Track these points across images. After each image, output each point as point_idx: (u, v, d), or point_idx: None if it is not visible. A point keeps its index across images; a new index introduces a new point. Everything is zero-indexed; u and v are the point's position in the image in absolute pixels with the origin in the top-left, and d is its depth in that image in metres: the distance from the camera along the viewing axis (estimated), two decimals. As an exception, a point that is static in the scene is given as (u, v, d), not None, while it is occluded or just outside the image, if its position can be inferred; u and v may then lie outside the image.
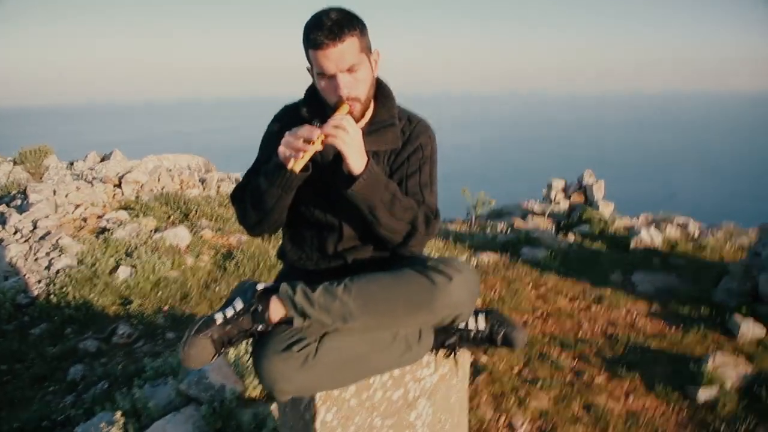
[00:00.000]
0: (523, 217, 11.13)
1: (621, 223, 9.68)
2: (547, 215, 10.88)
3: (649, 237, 7.98)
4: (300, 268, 1.94)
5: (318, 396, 1.77)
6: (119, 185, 9.38)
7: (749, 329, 4.98)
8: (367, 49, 1.73)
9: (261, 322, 1.72)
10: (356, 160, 1.64)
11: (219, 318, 1.72)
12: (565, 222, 10.40)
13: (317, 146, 1.61)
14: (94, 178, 9.58)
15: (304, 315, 1.68)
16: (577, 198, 11.44)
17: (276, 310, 1.72)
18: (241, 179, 1.93)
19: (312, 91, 1.85)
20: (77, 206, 8.14)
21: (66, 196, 8.26)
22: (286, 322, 1.72)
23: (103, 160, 12.15)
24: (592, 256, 7.60)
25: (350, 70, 1.68)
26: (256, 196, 1.76)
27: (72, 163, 12.09)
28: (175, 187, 9.94)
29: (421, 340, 1.82)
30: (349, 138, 1.61)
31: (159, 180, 9.87)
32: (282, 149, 1.63)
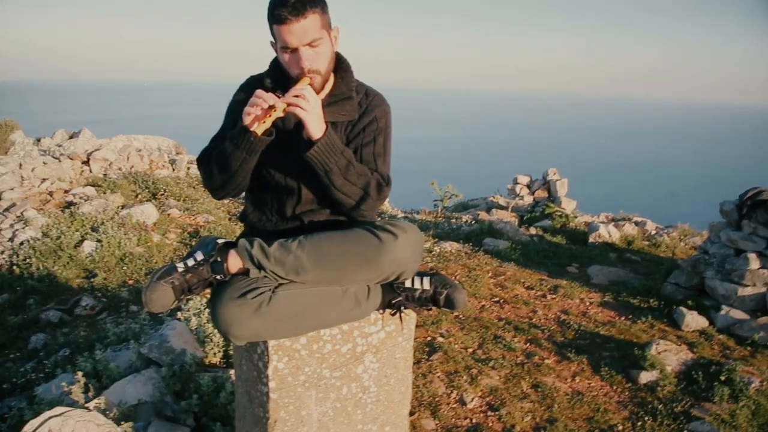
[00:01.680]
0: (488, 210, 11.36)
1: (582, 220, 9.96)
2: (511, 209, 11.11)
3: (607, 233, 8.24)
4: (260, 229, 2.06)
5: (271, 345, 1.89)
6: (87, 162, 9.33)
7: (693, 320, 5.24)
8: (327, 26, 1.85)
9: (220, 273, 1.85)
10: (315, 126, 1.77)
11: (180, 266, 1.84)
12: (528, 216, 10.64)
13: (279, 113, 1.73)
14: (61, 155, 9.51)
15: (260, 267, 1.81)
16: (541, 194, 11.70)
17: (234, 262, 1.85)
18: (209, 143, 2.03)
19: (276, 63, 1.97)
20: (44, 180, 8.10)
21: (32, 170, 8.21)
22: (244, 273, 1.85)
23: (71, 137, 12.04)
24: (552, 248, 7.83)
25: (311, 44, 1.80)
26: (222, 159, 1.87)
27: (39, 140, 11.96)
28: (145, 167, 9.92)
29: (369, 298, 1.96)
30: (309, 106, 1.73)
31: (128, 159, 9.84)
32: (246, 113, 1.74)
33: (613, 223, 9.11)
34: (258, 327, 1.77)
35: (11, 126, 12.21)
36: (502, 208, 11.48)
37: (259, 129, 1.75)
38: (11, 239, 6.59)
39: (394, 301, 2.02)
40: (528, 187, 12.21)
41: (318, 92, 1.88)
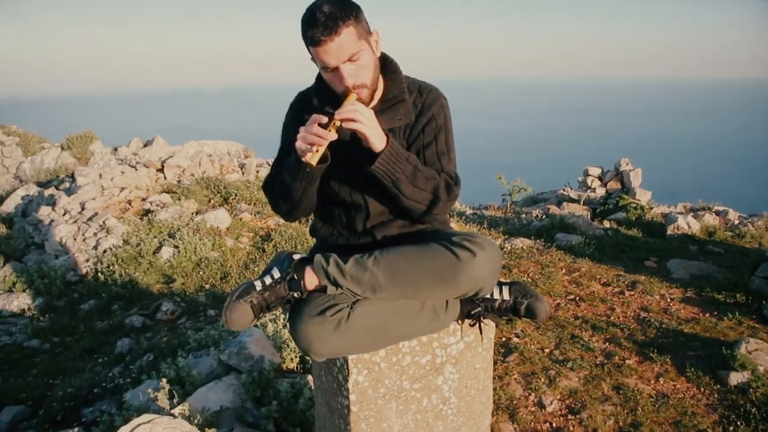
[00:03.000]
0: (559, 203, 11.09)
1: (658, 211, 9.58)
2: (582, 202, 10.80)
3: (686, 224, 7.89)
4: (331, 244, 2.05)
5: (351, 359, 1.89)
6: (162, 170, 9.67)
7: (785, 316, 4.95)
8: (365, 34, 1.76)
9: (297, 290, 1.85)
10: (377, 139, 1.72)
11: (258, 285, 1.86)
12: (600, 209, 10.32)
13: (332, 136, 1.68)
14: (137, 163, 9.89)
15: (336, 285, 1.80)
16: (614, 185, 11.32)
17: (311, 280, 1.85)
18: (270, 168, 2.03)
19: (321, 78, 1.89)
20: (122, 189, 8.44)
21: (111, 179, 8.57)
22: (320, 290, 1.85)
23: (145, 145, 12.51)
24: (627, 242, 7.57)
25: (351, 59, 1.72)
26: (283, 189, 1.87)
27: (116, 149, 12.48)
28: (215, 172, 10.20)
29: (447, 309, 1.92)
30: (366, 121, 1.68)
31: (200, 165, 10.14)
32: (298, 144, 1.71)
33: (692, 214, 8.72)
34: (338, 344, 1.77)
35: (90, 137, 12.81)
36: (573, 201, 11.18)
37: (313, 159, 1.72)
38: (95, 247, 6.91)
39: (473, 312, 1.98)
40: (600, 178, 11.85)
41: (368, 103, 1.82)
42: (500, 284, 2.01)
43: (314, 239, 2.18)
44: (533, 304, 1.98)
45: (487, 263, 1.78)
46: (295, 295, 1.86)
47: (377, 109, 1.85)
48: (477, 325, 2.02)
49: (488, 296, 1.98)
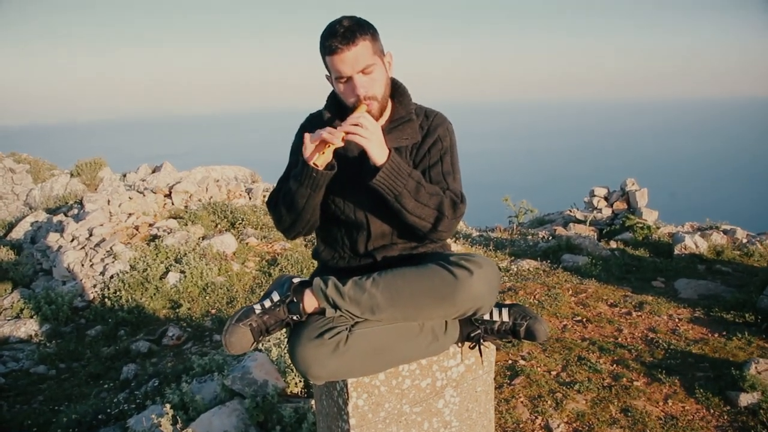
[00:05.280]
0: (565, 225, 11.07)
1: (665, 231, 9.54)
2: (588, 223, 10.78)
3: (694, 243, 7.85)
4: (332, 267, 2.07)
5: (350, 382, 1.89)
6: (169, 195, 9.74)
7: (795, 335, 4.89)
8: (380, 52, 1.87)
9: (296, 313, 1.86)
10: (378, 152, 1.76)
11: (258, 308, 1.87)
12: (607, 229, 10.29)
13: (338, 143, 1.74)
14: (145, 189, 9.97)
15: (335, 307, 1.82)
16: (620, 205, 11.29)
17: (310, 302, 1.86)
18: (276, 185, 2.07)
19: (333, 96, 1.99)
20: (130, 215, 8.50)
21: (119, 205, 8.63)
22: (319, 313, 1.86)
23: (154, 171, 12.62)
24: (635, 262, 7.53)
25: (365, 71, 1.82)
26: (288, 198, 1.90)
27: (125, 175, 12.60)
28: (223, 197, 10.26)
29: (446, 332, 1.93)
30: (368, 132, 1.73)
31: (207, 190, 10.21)
32: (306, 148, 1.77)
33: (699, 233, 8.67)
34: (337, 366, 1.77)
35: (99, 164, 12.94)
36: (579, 222, 11.15)
37: (319, 161, 1.76)
38: (102, 273, 6.94)
39: (473, 335, 1.98)
40: (606, 199, 11.83)
41: (376, 119, 1.88)
42: (500, 306, 2.01)
43: (316, 263, 2.20)
44: (533, 326, 1.98)
45: (484, 282, 1.79)
46: (295, 318, 1.87)
47: (385, 128, 1.91)
48: (477, 347, 2.02)
49: (488, 318, 1.98)
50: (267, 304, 1.88)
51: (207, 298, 6.36)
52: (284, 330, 2.16)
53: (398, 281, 1.80)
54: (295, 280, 1.92)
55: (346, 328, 1.80)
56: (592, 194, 12.00)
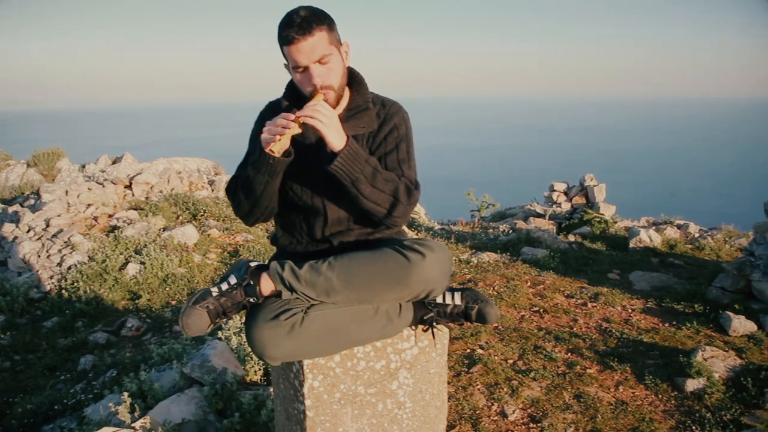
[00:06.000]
0: (526, 218, 11.26)
1: (622, 225, 9.79)
2: (548, 217, 10.99)
3: (648, 237, 8.08)
4: (291, 252, 2.10)
5: (306, 364, 1.93)
6: (130, 186, 9.60)
7: (741, 325, 5.09)
8: (336, 42, 1.90)
9: (253, 296, 1.90)
10: (335, 137, 1.80)
11: (215, 291, 1.90)
12: (566, 223, 10.51)
13: (295, 129, 1.78)
14: (105, 180, 9.81)
15: (291, 289, 1.86)
16: (579, 200, 11.54)
17: (266, 285, 1.90)
18: (235, 171, 2.09)
19: (291, 85, 2.02)
20: (89, 206, 8.36)
21: (78, 196, 8.48)
22: (276, 296, 1.89)
23: (114, 162, 12.41)
24: (591, 255, 7.72)
25: (321, 61, 1.85)
26: (246, 184, 1.92)
27: (84, 166, 12.36)
28: (185, 189, 10.16)
29: (401, 315, 1.98)
30: (325, 118, 1.77)
31: (168, 182, 10.09)
32: (264, 136, 1.80)
33: (654, 227, 8.92)
34: (292, 347, 1.81)
35: (58, 154, 12.66)
36: (539, 216, 11.36)
37: (276, 148, 1.79)
38: (59, 264, 6.82)
39: (425, 317, 2.04)
40: (565, 194, 12.07)
41: (333, 107, 1.91)
42: (452, 290, 2.07)
43: (275, 248, 2.23)
44: (484, 309, 2.04)
45: (436, 265, 1.84)
46: (251, 300, 1.90)
47: (342, 117, 1.95)
48: (430, 330, 2.08)
49: (440, 302, 2.04)
50: (224, 287, 1.91)
51: (167, 289, 6.31)
52: (243, 317, 2.19)
53: (353, 265, 1.85)
54: (252, 264, 1.96)
55: (302, 310, 1.84)
56: (552, 189, 12.24)
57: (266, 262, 2.03)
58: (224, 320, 1.92)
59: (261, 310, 1.86)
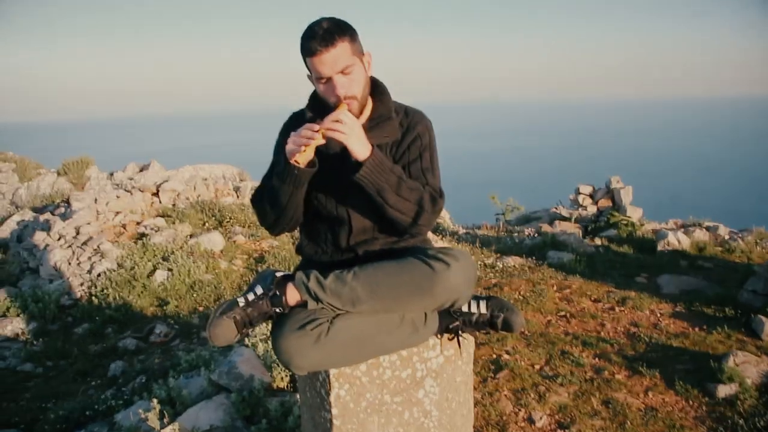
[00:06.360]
0: (551, 222, 11.16)
1: (649, 227, 9.65)
2: (574, 220, 10.88)
3: (677, 240, 7.96)
4: (316, 261, 2.12)
5: (332, 373, 1.94)
6: (157, 194, 9.73)
7: (773, 329, 4.99)
8: (359, 52, 1.92)
9: (279, 306, 1.92)
10: (359, 147, 1.81)
11: (241, 301, 1.92)
12: (592, 226, 10.40)
13: (319, 140, 1.79)
14: (133, 187, 9.95)
15: (317, 299, 1.87)
16: (605, 203, 11.41)
17: (292, 295, 1.91)
18: (260, 182, 2.12)
19: (314, 96, 2.04)
20: (117, 213, 8.49)
21: (106, 204, 8.62)
22: (302, 306, 1.91)
23: (141, 170, 12.58)
24: (618, 259, 7.63)
25: (344, 71, 1.87)
26: (271, 195, 1.95)
27: (112, 174, 12.55)
28: (210, 196, 10.26)
29: (426, 323, 1.98)
30: (348, 129, 1.78)
31: (195, 189, 10.20)
32: (288, 147, 1.82)
33: (682, 230, 8.78)
34: (318, 357, 1.82)
35: (86, 162, 12.89)
36: (564, 219, 11.26)
37: (301, 159, 1.81)
38: (89, 271, 6.94)
39: (451, 326, 2.04)
40: (591, 196, 11.94)
41: (357, 117, 1.93)
42: (477, 299, 2.07)
43: (300, 258, 2.25)
44: (510, 318, 2.04)
45: (461, 274, 1.85)
46: (278, 310, 1.92)
47: (365, 127, 1.95)
48: (456, 338, 2.08)
49: (466, 310, 2.04)
50: (250, 297, 1.93)
51: (194, 295, 6.39)
52: (269, 325, 2.21)
53: (378, 274, 1.86)
54: (278, 274, 1.98)
55: (328, 320, 1.85)
56: (578, 192, 12.11)
57: (291, 272, 2.05)
58: (251, 330, 1.95)
59: (287, 320, 1.88)
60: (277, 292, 1.92)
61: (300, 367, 1.84)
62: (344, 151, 1.85)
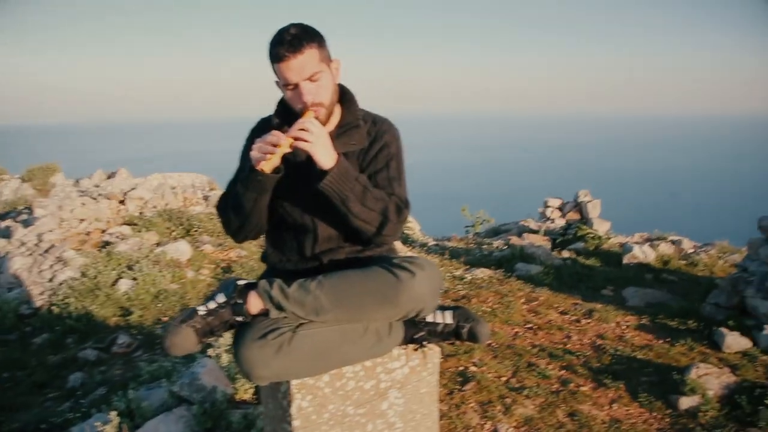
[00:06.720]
0: (520, 234, 11.25)
1: (616, 241, 9.79)
2: (542, 232, 10.98)
3: (642, 253, 8.08)
4: (280, 270, 2.08)
5: (294, 384, 1.90)
6: (124, 201, 9.56)
7: (734, 341, 5.08)
8: (326, 59, 1.90)
9: (240, 315, 1.87)
10: (324, 156, 1.79)
11: (202, 310, 1.87)
12: (560, 239, 10.51)
13: (285, 148, 1.77)
14: (99, 195, 9.76)
15: (280, 308, 1.83)
16: (573, 216, 11.56)
17: (254, 304, 1.87)
18: (225, 188, 2.08)
19: (282, 102, 2.02)
20: (82, 221, 8.31)
21: (71, 211, 8.43)
22: (264, 314, 1.87)
23: (109, 177, 12.36)
24: (585, 271, 7.71)
25: (311, 78, 1.85)
26: (235, 201, 1.91)
27: (78, 181, 12.30)
28: (179, 204, 10.12)
29: (391, 333, 1.96)
30: (314, 137, 1.76)
31: (163, 197, 10.05)
32: (253, 153, 1.79)
33: (648, 243, 8.93)
34: (280, 367, 1.79)
35: (52, 169, 12.62)
36: (533, 232, 11.36)
37: (266, 166, 1.78)
38: (51, 279, 6.76)
39: (416, 336, 2.02)
40: (560, 209, 12.09)
41: (324, 124, 1.91)
42: (443, 309, 2.05)
43: (265, 266, 2.21)
44: (475, 328, 2.03)
45: (426, 283, 1.83)
46: (239, 319, 1.88)
47: (333, 134, 1.94)
48: (421, 349, 2.06)
49: (431, 320, 2.02)
50: (211, 305, 1.88)
51: (159, 305, 6.26)
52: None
53: (342, 283, 1.83)
54: (240, 282, 1.93)
55: (291, 329, 1.82)
56: (546, 205, 12.26)
57: (255, 281, 2.01)
58: (212, 339, 1.90)
59: (249, 329, 1.84)
60: (239, 301, 1.87)
61: (261, 378, 1.79)
62: (310, 158, 1.83)
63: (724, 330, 5.21)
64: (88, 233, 8.07)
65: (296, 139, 1.75)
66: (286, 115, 1.98)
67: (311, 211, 1.97)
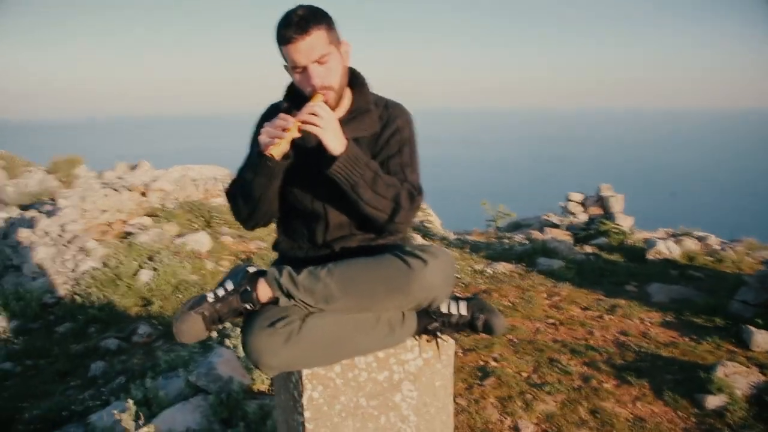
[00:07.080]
0: (541, 229, 11.12)
1: (639, 236, 9.61)
2: (564, 227, 10.84)
3: (667, 249, 7.92)
4: (291, 257, 2.04)
5: (305, 374, 1.86)
6: (145, 193, 9.63)
7: (763, 339, 4.94)
8: (335, 41, 1.84)
9: (249, 302, 1.83)
10: (334, 141, 1.74)
11: (210, 297, 1.84)
12: (582, 234, 10.36)
13: (293, 133, 1.72)
14: (121, 186, 9.84)
15: (289, 296, 1.79)
16: (595, 211, 11.38)
17: (263, 291, 1.83)
18: (236, 174, 2.04)
19: (291, 86, 1.97)
20: (104, 212, 8.39)
21: (94, 202, 8.52)
22: (273, 302, 1.83)
23: (131, 169, 12.47)
24: (608, 267, 7.58)
25: (320, 61, 1.79)
26: (245, 187, 1.88)
27: (101, 173, 12.44)
28: (200, 196, 10.17)
29: (404, 324, 1.91)
30: (323, 122, 1.72)
31: (184, 189, 10.11)
32: (261, 138, 1.75)
33: (672, 239, 8.75)
34: (289, 356, 1.75)
35: (76, 161, 12.76)
36: (555, 226, 11.22)
37: (275, 151, 1.74)
38: (73, 269, 6.83)
39: (429, 327, 1.96)
40: (582, 204, 11.92)
41: (333, 108, 1.86)
42: (457, 299, 2.00)
43: (276, 254, 2.18)
44: (490, 320, 1.97)
45: (438, 271, 1.77)
46: (248, 306, 1.84)
47: (344, 119, 1.89)
48: (434, 340, 2.00)
49: (445, 311, 1.97)
50: (220, 292, 1.85)
51: (179, 296, 6.29)
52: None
53: (353, 271, 1.79)
54: (250, 269, 1.90)
55: (300, 318, 1.78)
56: (568, 199, 12.10)
57: (266, 268, 1.98)
58: (220, 326, 1.87)
59: (257, 318, 1.80)
60: (248, 288, 1.84)
61: (269, 367, 1.76)
62: (320, 143, 1.78)
63: (752, 328, 5.06)
64: (110, 224, 8.15)
65: (304, 122, 1.71)
66: (295, 99, 1.93)
67: (322, 198, 1.92)
